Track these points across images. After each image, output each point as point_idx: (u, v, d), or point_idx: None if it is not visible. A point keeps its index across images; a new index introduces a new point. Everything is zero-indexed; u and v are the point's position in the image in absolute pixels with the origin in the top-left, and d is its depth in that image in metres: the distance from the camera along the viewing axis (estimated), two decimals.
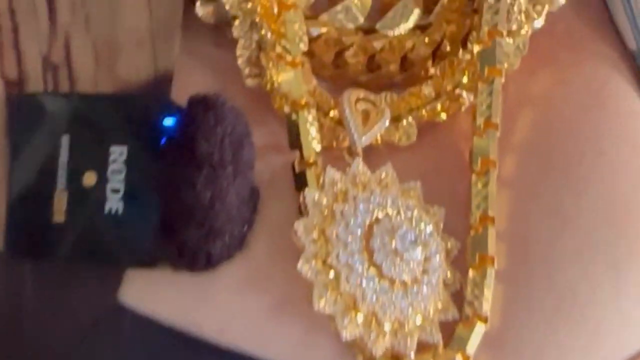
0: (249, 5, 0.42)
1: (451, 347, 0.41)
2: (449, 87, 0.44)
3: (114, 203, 0.39)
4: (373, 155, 0.43)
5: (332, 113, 0.43)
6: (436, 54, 0.45)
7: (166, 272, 0.41)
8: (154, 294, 0.41)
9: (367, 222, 0.40)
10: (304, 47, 0.42)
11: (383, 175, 0.42)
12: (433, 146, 0.44)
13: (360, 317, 0.40)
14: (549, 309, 0.42)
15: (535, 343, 0.42)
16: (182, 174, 0.38)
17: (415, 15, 0.44)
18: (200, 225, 0.39)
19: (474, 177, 0.43)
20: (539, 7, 0.45)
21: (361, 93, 0.43)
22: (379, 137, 0.43)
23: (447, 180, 0.44)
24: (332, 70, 0.44)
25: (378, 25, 0.44)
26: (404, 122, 0.44)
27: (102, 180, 0.39)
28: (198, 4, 0.43)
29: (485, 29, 0.44)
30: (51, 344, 0.40)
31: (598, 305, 0.43)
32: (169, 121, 0.39)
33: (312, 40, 0.43)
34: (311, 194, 0.40)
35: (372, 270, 0.40)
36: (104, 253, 0.39)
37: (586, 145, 0.44)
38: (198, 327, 0.41)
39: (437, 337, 0.41)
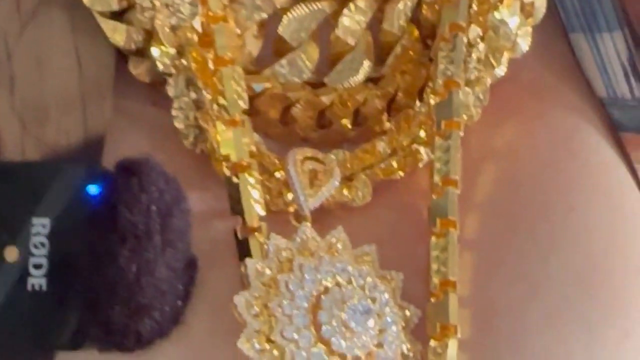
0: (183, 61, 0.39)
1: None
2: (405, 143, 0.41)
3: (36, 279, 0.36)
4: (324, 217, 0.40)
5: (278, 174, 0.40)
6: (391, 107, 0.42)
7: (98, 355, 0.38)
8: None
9: (315, 293, 0.37)
10: (243, 104, 0.39)
11: (333, 240, 0.39)
12: (389, 206, 0.41)
13: None
14: None
15: None
16: (106, 247, 0.36)
17: (366, 67, 0.41)
18: (126, 302, 0.36)
19: (433, 239, 0.40)
20: (498, 55, 0.42)
21: (308, 152, 0.40)
22: (330, 198, 0.40)
23: (405, 243, 0.41)
24: (280, 127, 0.41)
25: (326, 79, 0.41)
26: (357, 181, 0.41)
27: (24, 254, 0.36)
28: (131, 61, 0.40)
29: (440, 80, 0.41)
30: None
31: None
32: (94, 189, 0.36)
33: (255, 96, 0.40)
34: (253, 263, 0.37)
35: (320, 346, 0.37)
36: (27, 332, 0.36)
37: (554, 200, 0.42)
38: None
39: None
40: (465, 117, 0.41)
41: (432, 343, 0.39)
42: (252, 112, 0.40)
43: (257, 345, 0.36)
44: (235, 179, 0.38)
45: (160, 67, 0.39)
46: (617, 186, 0.43)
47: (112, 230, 0.36)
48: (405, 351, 0.38)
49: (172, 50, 0.39)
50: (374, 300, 0.38)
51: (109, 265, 0.36)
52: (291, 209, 0.40)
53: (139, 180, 0.36)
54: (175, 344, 0.38)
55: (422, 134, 0.42)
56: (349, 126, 0.42)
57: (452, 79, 0.41)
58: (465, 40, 0.41)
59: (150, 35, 0.40)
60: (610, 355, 0.40)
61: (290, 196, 0.40)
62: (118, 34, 0.39)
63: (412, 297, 0.40)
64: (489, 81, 0.42)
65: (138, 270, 0.36)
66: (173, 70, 0.39)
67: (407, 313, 0.39)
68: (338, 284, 0.38)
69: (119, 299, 0.36)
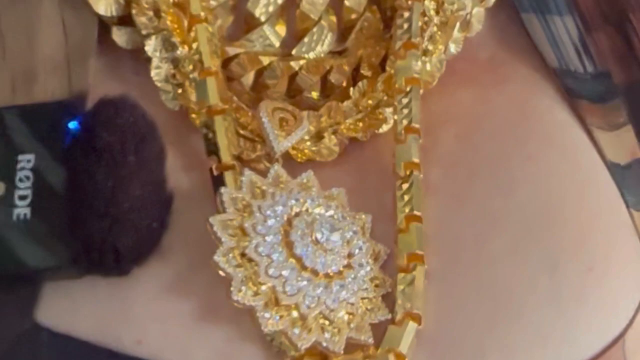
0: (160, 22, 0.42)
1: (382, 347, 0.39)
2: (370, 103, 0.44)
3: (21, 209, 0.38)
4: (294, 171, 0.42)
5: (250, 126, 0.43)
6: (356, 80, 0.45)
7: (82, 287, 0.39)
8: (70, 310, 0.39)
9: (286, 217, 0.39)
10: (217, 59, 0.42)
11: (305, 180, 0.41)
12: (357, 162, 0.44)
13: (281, 310, 0.38)
14: (486, 308, 0.40)
15: (475, 343, 0.40)
16: (84, 166, 0.38)
17: (329, 40, 0.45)
18: (104, 216, 0.38)
19: (398, 182, 0.42)
20: (451, 27, 0.45)
21: (278, 103, 0.43)
22: (299, 154, 0.43)
23: (373, 191, 0.43)
24: (252, 95, 0.44)
25: (294, 51, 0.45)
26: (325, 138, 0.43)
27: (10, 189, 0.39)
28: (114, 29, 0.43)
29: (399, 43, 0.44)
30: None
31: (536, 304, 0.41)
32: (73, 124, 0.39)
33: (229, 60, 0.43)
34: (228, 192, 0.40)
35: (293, 262, 0.38)
36: (14, 260, 0.38)
37: (512, 151, 0.44)
38: (116, 340, 0.39)
39: (368, 336, 0.39)
40: (423, 78, 0.44)
41: (401, 274, 0.40)
42: (225, 78, 0.43)
43: (232, 261, 0.38)
44: (210, 122, 0.41)
45: (142, 28, 0.42)
46: (572, 141, 0.45)
47: (89, 153, 0.38)
48: (376, 280, 0.40)
49: (150, 13, 0.43)
50: (343, 228, 0.40)
51: (87, 181, 0.38)
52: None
53: (115, 108, 0.39)
54: (155, 275, 0.39)
55: (385, 98, 0.45)
56: (318, 97, 0.45)
57: (410, 41, 0.44)
58: (421, 9, 0.45)
59: (130, 5, 0.43)
60: (574, 289, 0.42)
61: (261, 147, 0.42)
62: (100, 4, 0.43)
63: (381, 241, 0.42)
64: (444, 51, 0.46)
65: (114, 186, 0.38)
66: (151, 31, 0.43)
67: (376, 249, 0.41)
68: (308, 210, 0.40)
69: (97, 213, 0.38)
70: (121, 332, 0.39)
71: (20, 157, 0.39)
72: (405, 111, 0.43)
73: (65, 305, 0.39)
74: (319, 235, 0.39)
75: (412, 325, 0.39)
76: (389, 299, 0.40)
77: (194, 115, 0.42)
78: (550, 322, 0.41)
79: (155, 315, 0.39)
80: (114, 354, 0.38)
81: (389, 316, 0.40)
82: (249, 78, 0.44)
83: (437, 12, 0.45)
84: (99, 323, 0.39)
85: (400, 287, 0.40)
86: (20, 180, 0.39)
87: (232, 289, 0.38)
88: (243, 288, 0.38)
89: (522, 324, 0.40)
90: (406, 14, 0.45)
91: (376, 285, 0.40)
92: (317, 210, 0.40)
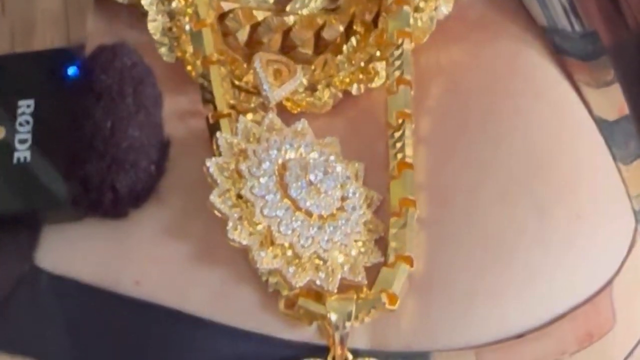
0: None
1: (375, 288, 0.40)
2: (362, 57, 0.45)
3: (21, 153, 0.39)
4: (289, 122, 0.43)
5: (245, 78, 0.44)
6: (349, 36, 0.46)
7: (81, 231, 0.40)
8: (69, 253, 0.40)
9: (281, 161, 0.40)
10: (213, 12, 0.43)
11: (299, 128, 0.42)
12: (350, 115, 0.45)
13: (276, 249, 0.39)
14: (476, 253, 0.41)
15: (464, 285, 0.41)
16: (83, 108, 0.39)
17: None
18: (102, 156, 0.39)
19: (390, 130, 0.43)
20: None
21: (273, 55, 0.43)
22: (293, 105, 0.44)
23: (366, 142, 0.44)
24: (246, 51, 0.45)
25: (288, 7, 0.45)
26: (319, 91, 0.44)
27: (11, 133, 0.40)
28: None
29: None
30: None
31: (526, 249, 0.42)
32: (72, 70, 0.40)
33: (224, 15, 0.44)
34: (224, 136, 0.40)
35: (287, 202, 0.39)
36: (15, 201, 0.39)
37: (501, 104, 0.45)
38: (115, 282, 0.39)
39: (361, 277, 0.40)
40: (414, 32, 0.45)
41: (393, 218, 0.41)
42: (221, 34, 0.44)
43: (228, 201, 0.39)
44: (205, 72, 0.42)
45: None
46: (561, 96, 0.46)
47: (88, 93, 0.39)
48: (369, 225, 0.41)
49: None
50: (337, 172, 0.41)
51: (86, 122, 0.39)
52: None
53: (113, 53, 0.40)
54: (153, 218, 0.40)
55: (378, 53, 0.45)
56: (311, 53, 0.46)
57: None
58: None
59: None
60: (562, 235, 0.42)
61: (256, 100, 0.43)
62: None
63: (374, 189, 0.42)
64: (435, 9, 0.46)
65: (112, 126, 0.39)
66: None
67: (369, 195, 0.42)
68: (302, 155, 0.41)
69: (96, 152, 0.39)
70: (119, 273, 0.39)
71: (20, 102, 0.40)
72: (397, 63, 0.44)
73: (64, 248, 0.40)
74: (312, 177, 0.40)
75: (404, 267, 0.40)
76: (381, 244, 0.41)
77: (189, 68, 0.43)
78: (538, 265, 0.42)
79: (152, 258, 0.40)
80: (112, 295, 0.39)
81: (382, 259, 0.40)
82: (243, 33, 0.45)
83: None
84: (98, 265, 0.40)
85: (392, 231, 0.41)
86: (20, 124, 0.40)
87: (228, 228, 0.38)
88: (239, 227, 0.39)
89: (510, 268, 0.41)
90: None
91: (369, 230, 0.41)
92: (311, 155, 0.40)
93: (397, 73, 0.44)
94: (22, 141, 0.39)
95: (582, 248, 0.43)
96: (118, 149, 0.39)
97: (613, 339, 0.42)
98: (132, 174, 0.39)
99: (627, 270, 0.44)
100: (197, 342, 0.39)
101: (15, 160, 0.39)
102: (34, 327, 0.39)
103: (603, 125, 0.46)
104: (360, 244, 0.40)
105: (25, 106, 0.40)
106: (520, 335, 0.41)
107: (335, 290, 0.39)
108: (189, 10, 0.43)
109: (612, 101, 0.47)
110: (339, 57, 0.45)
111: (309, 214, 0.39)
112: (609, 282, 0.43)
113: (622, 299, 0.43)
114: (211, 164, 0.40)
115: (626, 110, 0.47)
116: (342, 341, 0.39)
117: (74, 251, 0.40)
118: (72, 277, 0.39)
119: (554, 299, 0.42)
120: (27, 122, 0.40)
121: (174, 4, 0.43)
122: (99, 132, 0.39)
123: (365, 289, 0.40)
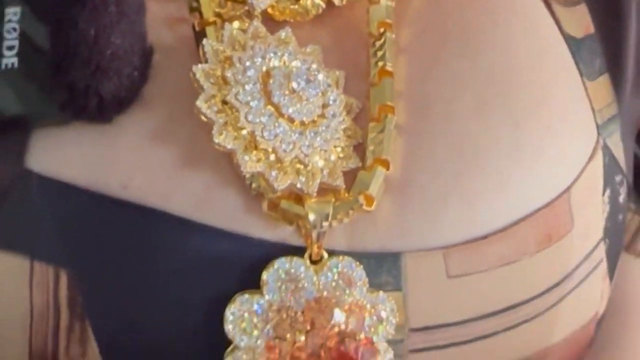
0: None
1: (353, 190, 0.42)
2: None
3: (9, 59, 0.41)
4: (274, 31, 0.44)
5: None
6: None
7: (70, 135, 0.42)
8: (59, 156, 0.41)
9: (265, 68, 0.42)
10: None
11: (283, 35, 0.43)
12: (333, 25, 0.46)
13: (260, 153, 0.40)
14: (451, 159, 0.43)
15: (438, 188, 0.43)
16: (67, 15, 0.40)
17: None
18: (87, 62, 0.40)
19: (371, 40, 0.44)
20: None
21: None
22: (277, 13, 0.45)
23: (348, 52, 0.45)
24: None
25: None
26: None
27: None
28: None
29: None
30: None
31: (499, 157, 0.44)
32: None
33: None
34: (210, 43, 0.42)
35: (271, 109, 0.41)
36: (4, 106, 0.40)
37: (480, 19, 0.46)
38: (103, 184, 0.41)
39: (339, 181, 0.42)
40: None
41: (372, 124, 0.43)
42: None
43: (214, 107, 0.41)
44: None
45: None
46: (534, 13, 0.47)
47: (73, 1, 0.40)
48: (349, 131, 0.43)
49: None
50: (318, 80, 0.42)
51: (70, 29, 0.40)
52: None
53: None
54: (140, 123, 0.42)
55: None
56: None
57: None
58: None
59: None
60: (533, 144, 0.44)
61: (242, 8, 0.44)
62: None
63: (354, 95, 0.44)
64: None
65: (96, 34, 0.40)
66: None
67: (349, 102, 0.43)
68: (285, 63, 0.42)
69: (80, 59, 0.40)
70: (108, 177, 0.41)
71: (7, 10, 0.41)
72: None
73: (54, 152, 0.41)
74: (295, 85, 0.41)
75: (380, 170, 0.42)
76: (359, 150, 0.43)
77: None
78: (509, 172, 0.44)
79: (139, 162, 0.41)
80: (99, 195, 0.41)
81: (360, 164, 0.42)
82: None
83: None
84: (87, 168, 0.41)
85: (370, 135, 0.43)
86: (8, 32, 0.41)
87: (213, 132, 0.40)
88: (224, 132, 0.40)
89: (483, 173, 0.43)
90: None
91: (348, 136, 0.43)
92: (294, 63, 0.42)
93: None
94: (10, 47, 0.41)
95: (550, 157, 0.44)
96: (102, 56, 0.40)
97: (571, 242, 0.44)
98: (115, 80, 0.40)
99: (586, 177, 0.46)
100: (180, 241, 0.41)
101: (3, 66, 0.41)
102: (25, 226, 0.41)
103: (571, 42, 0.48)
104: (339, 149, 0.42)
105: (12, 14, 0.41)
106: (484, 237, 0.43)
107: (315, 193, 0.41)
108: None
109: (580, 19, 0.49)
110: None
111: (291, 120, 0.41)
112: (569, 188, 0.45)
113: (579, 204, 0.45)
114: (197, 70, 0.41)
115: (592, 29, 0.49)
116: (319, 239, 0.41)
117: (64, 154, 0.41)
118: (62, 179, 0.41)
119: (520, 202, 0.44)
120: (14, 30, 0.41)
121: None
122: (83, 39, 0.40)
123: (343, 192, 0.42)
